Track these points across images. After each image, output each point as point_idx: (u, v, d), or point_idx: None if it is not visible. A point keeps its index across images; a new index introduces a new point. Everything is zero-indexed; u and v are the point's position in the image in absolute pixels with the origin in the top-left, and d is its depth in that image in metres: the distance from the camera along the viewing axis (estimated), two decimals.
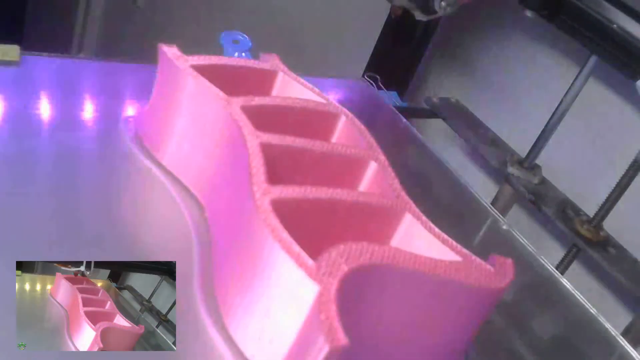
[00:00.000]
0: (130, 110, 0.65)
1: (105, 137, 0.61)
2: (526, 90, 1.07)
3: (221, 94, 0.54)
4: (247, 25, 0.98)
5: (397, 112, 0.84)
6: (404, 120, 0.82)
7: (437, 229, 0.47)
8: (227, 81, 0.55)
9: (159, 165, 0.58)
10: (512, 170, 0.96)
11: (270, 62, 0.63)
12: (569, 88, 0.89)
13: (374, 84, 0.96)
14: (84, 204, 0.53)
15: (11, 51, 0.64)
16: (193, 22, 1.71)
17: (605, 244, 0.88)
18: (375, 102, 0.86)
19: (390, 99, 1.00)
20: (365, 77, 0.99)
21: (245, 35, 0.76)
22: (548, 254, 0.98)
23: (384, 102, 0.87)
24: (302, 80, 0.61)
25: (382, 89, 1.00)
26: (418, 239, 0.47)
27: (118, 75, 0.71)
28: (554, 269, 0.66)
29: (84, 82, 0.68)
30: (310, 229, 0.44)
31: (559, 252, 0.95)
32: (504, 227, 0.69)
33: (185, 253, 0.50)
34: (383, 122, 0.81)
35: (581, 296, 0.63)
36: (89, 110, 0.64)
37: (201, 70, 0.55)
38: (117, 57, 0.75)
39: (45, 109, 0.62)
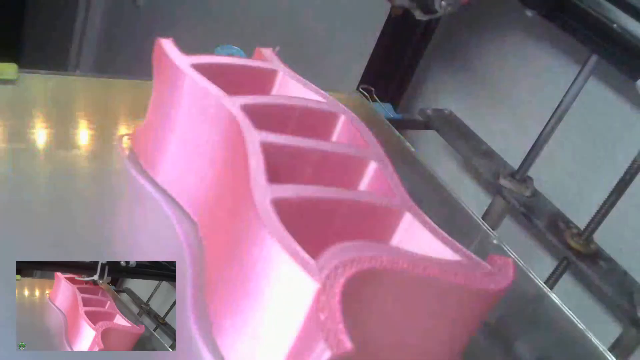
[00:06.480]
0: (126, 127, 0.65)
1: (101, 154, 0.61)
2: (525, 91, 1.07)
3: (222, 93, 0.53)
4: (241, 35, 0.99)
5: (390, 125, 0.84)
6: (397, 133, 0.83)
7: (438, 229, 0.47)
8: (227, 80, 0.55)
9: (154, 183, 0.58)
10: (504, 182, 0.96)
11: (268, 58, 0.62)
12: (569, 88, 0.89)
13: (368, 96, 0.97)
14: (78, 221, 0.53)
15: (9, 69, 0.64)
16: (191, 32, 1.72)
17: (595, 257, 0.88)
18: (368, 116, 0.87)
19: (384, 112, 1.01)
20: (360, 89, 0.99)
21: (239, 49, 0.77)
22: (539, 266, 0.98)
23: (378, 116, 0.87)
24: (302, 78, 0.61)
25: (377, 101, 1.00)
26: (418, 238, 0.46)
27: (115, 92, 0.72)
28: (543, 284, 0.66)
29: (81, 99, 0.69)
30: (310, 229, 0.44)
31: (550, 265, 0.96)
32: (494, 241, 0.70)
33: (179, 272, 0.50)
34: (376, 136, 0.82)
35: (570, 311, 0.63)
36: (85, 128, 0.64)
37: (201, 69, 0.55)
38: (114, 71, 0.75)
39: (42, 126, 0.62)
